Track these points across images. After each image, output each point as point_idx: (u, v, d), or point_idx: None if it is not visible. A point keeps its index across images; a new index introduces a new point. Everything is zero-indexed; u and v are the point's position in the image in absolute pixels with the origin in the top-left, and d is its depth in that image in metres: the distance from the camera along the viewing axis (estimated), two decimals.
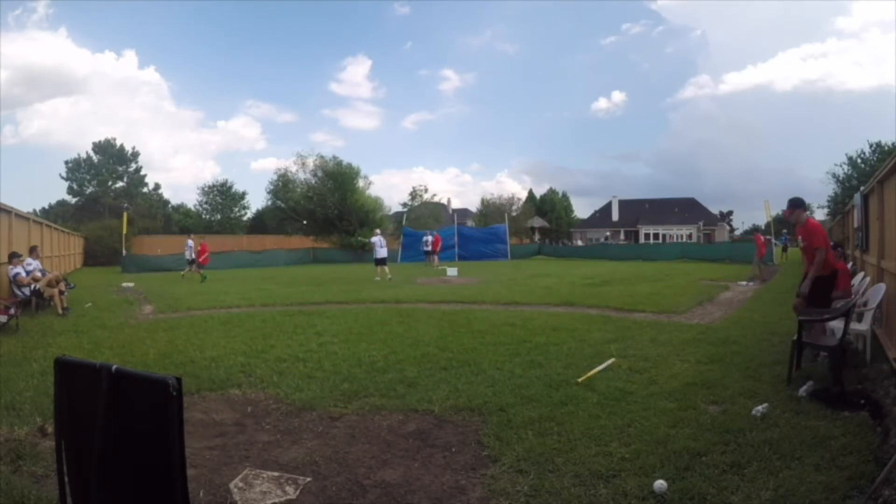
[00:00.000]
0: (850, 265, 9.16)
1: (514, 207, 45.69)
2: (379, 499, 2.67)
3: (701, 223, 51.57)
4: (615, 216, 56.61)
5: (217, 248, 25.11)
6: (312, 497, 2.69)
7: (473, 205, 53.48)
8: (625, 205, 57.13)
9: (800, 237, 5.42)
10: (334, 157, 31.84)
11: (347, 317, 8.25)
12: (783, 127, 79.03)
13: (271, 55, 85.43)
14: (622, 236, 53.09)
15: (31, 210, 27.77)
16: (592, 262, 24.43)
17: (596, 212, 60.02)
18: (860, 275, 7.32)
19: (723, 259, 23.29)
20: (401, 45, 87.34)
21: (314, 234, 31.45)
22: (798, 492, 2.55)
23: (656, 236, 51.55)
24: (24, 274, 9.04)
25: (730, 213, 64.46)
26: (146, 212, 40.97)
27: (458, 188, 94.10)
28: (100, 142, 44.07)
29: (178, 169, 74.74)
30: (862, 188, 7.69)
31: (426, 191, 50.45)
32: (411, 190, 51.20)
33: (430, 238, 24.56)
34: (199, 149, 78.45)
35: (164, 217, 44.34)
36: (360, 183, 31.72)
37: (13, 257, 9.04)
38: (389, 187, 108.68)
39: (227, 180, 48.55)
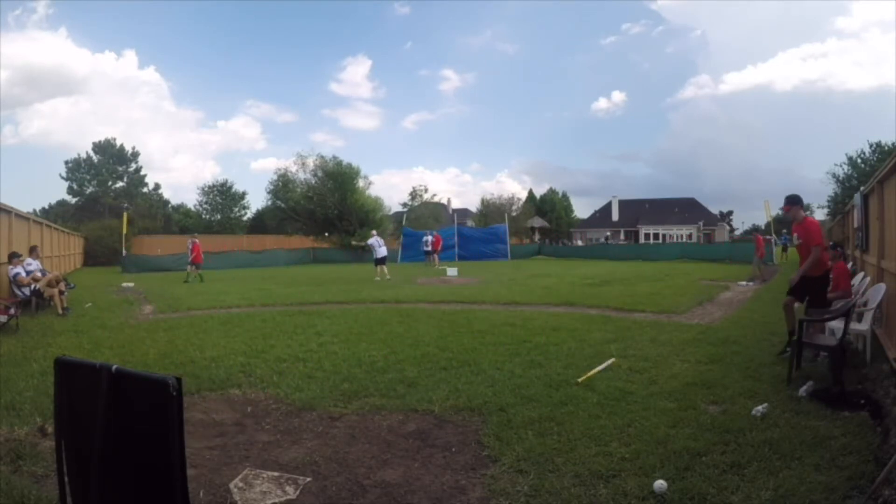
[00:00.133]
0: (850, 265, 9.16)
1: (514, 207, 45.72)
2: (379, 499, 2.67)
3: (701, 223, 51.56)
4: (615, 216, 56.60)
5: (217, 248, 25.16)
6: (312, 497, 2.69)
7: (473, 205, 53.59)
8: (625, 205, 57.13)
9: (795, 234, 5.43)
10: (334, 157, 31.89)
11: (347, 317, 8.25)
12: (783, 127, 79.10)
13: (271, 55, 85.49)
14: (622, 236, 53.09)
15: (31, 210, 27.81)
16: (592, 262, 24.43)
17: (596, 212, 60.02)
18: (860, 275, 7.33)
19: (723, 259, 23.30)
20: (401, 45, 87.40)
21: (315, 234, 31.45)
22: (798, 492, 2.55)
23: (656, 236, 51.55)
24: (24, 274, 9.04)
25: (730, 213, 64.53)
26: (146, 212, 40.96)
27: (458, 188, 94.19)
28: (100, 142, 44.11)
29: (178, 169, 74.79)
30: (862, 188, 7.69)
31: (426, 191, 50.60)
32: (411, 190, 51.33)
33: (430, 238, 24.57)
34: (199, 149, 78.51)
35: (164, 217, 44.33)
36: (360, 183, 31.74)
37: (13, 257, 9.04)
38: (389, 187, 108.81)
39: (227, 180, 48.63)
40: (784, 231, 28.31)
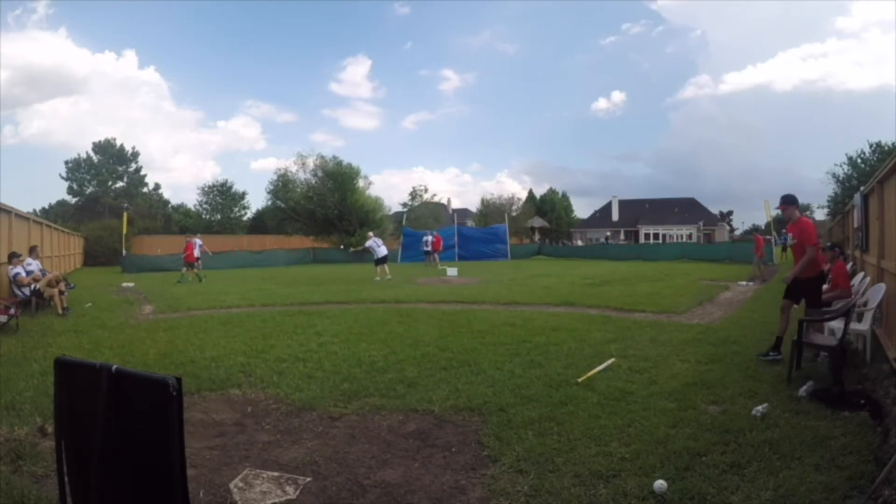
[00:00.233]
0: (850, 265, 9.17)
1: (514, 207, 45.72)
2: (379, 499, 2.67)
3: (701, 223, 51.57)
4: (615, 216, 56.60)
5: (217, 248, 25.09)
6: (312, 497, 2.69)
7: (473, 205, 53.60)
8: (625, 205, 57.13)
9: (790, 234, 5.43)
10: (334, 157, 31.89)
11: (347, 317, 8.25)
12: (783, 127, 79.04)
13: (271, 55, 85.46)
14: (622, 236, 53.09)
15: (31, 210, 27.81)
16: (592, 262, 24.43)
17: (596, 212, 60.02)
18: (860, 275, 7.33)
19: (723, 259, 23.29)
20: (401, 45, 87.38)
21: (315, 234, 31.45)
22: (798, 492, 2.55)
23: (656, 236, 51.55)
24: (24, 274, 9.04)
25: (730, 213, 64.50)
26: (146, 212, 40.97)
27: (458, 188, 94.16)
28: (100, 142, 44.12)
29: (178, 169, 74.78)
30: (862, 188, 7.69)
31: (426, 191, 50.61)
32: (411, 190, 51.34)
33: (430, 238, 24.55)
34: (199, 149, 78.49)
35: (164, 217, 44.34)
36: (360, 183, 31.74)
37: (13, 257, 9.04)
38: (389, 187, 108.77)
39: (227, 180, 48.63)
40: (784, 231, 28.34)
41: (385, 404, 4.04)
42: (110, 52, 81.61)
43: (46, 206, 44.02)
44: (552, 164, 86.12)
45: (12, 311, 7.34)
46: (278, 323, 7.74)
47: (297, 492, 2.73)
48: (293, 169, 32.31)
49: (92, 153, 43.53)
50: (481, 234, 30.98)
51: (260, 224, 44.20)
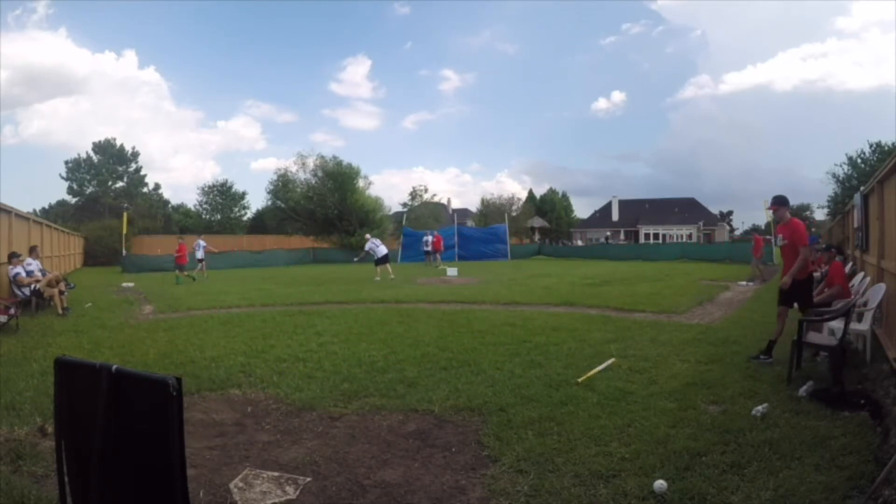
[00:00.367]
0: (850, 265, 9.17)
1: (514, 207, 45.71)
2: (379, 499, 2.67)
3: (701, 223, 51.56)
4: (615, 216, 56.60)
5: (217, 248, 25.09)
6: (312, 497, 2.69)
7: (473, 205, 53.58)
8: (625, 205, 57.12)
9: (780, 235, 5.41)
10: (334, 157, 31.90)
11: (347, 317, 8.25)
12: (783, 127, 78.98)
13: (271, 55, 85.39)
14: (622, 236, 53.09)
15: (31, 210, 27.80)
16: (592, 262, 24.43)
17: (596, 212, 60.02)
18: (860, 275, 7.33)
19: (723, 259, 23.28)
20: (401, 45, 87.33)
21: (315, 234, 31.45)
22: (798, 492, 2.55)
23: (656, 236, 51.55)
24: (24, 274, 9.04)
25: (730, 213, 64.46)
26: (146, 212, 40.93)
27: (458, 188, 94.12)
28: (100, 142, 44.08)
29: (178, 169, 74.72)
30: (862, 188, 7.69)
31: (426, 191, 50.60)
32: (411, 190, 51.34)
33: (430, 238, 24.55)
34: (199, 149, 78.43)
35: (164, 217, 44.29)
36: (360, 183, 31.75)
37: (13, 257, 9.04)
38: (389, 187, 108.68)
39: (227, 180, 48.59)
40: None
41: (385, 404, 4.04)
42: (110, 52, 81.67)
43: (46, 206, 44.07)
44: (552, 164, 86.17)
45: (12, 311, 7.34)
46: (278, 323, 7.74)
47: (297, 492, 2.73)
48: (293, 169, 32.37)
49: (92, 153, 43.54)
50: (481, 234, 31.00)
51: (260, 224, 44.19)
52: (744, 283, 13.36)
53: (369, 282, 14.81)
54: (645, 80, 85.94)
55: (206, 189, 47.50)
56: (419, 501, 2.65)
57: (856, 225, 8.52)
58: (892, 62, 66.18)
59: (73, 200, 42.90)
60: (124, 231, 24.51)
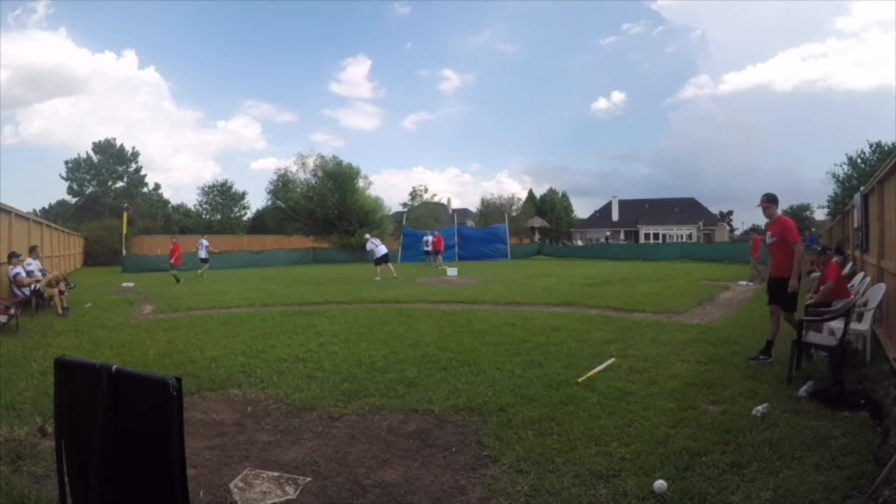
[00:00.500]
0: (850, 265, 9.18)
1: (514, 207, 45.69)
2: (379, 499, 2.67)
3: (701, 223, 51.56)
4: (615, 216, 56.60)
5: (217, 248, 25.09)
6: (312, 497, 2.69)
7: (473, 205, 53.56)
8: (625, 205, 57.12)
9: (769, 233, 5.39)
10: (334, 157, 31.88)
11: (347, 317, 8.25)
12: (783, 127, 78.86)
13: (271, 55, 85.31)
14: (622, 236, 53.09)
15: (31, 210, 27.80)
16: (592, 262, 24.43)
17: (596, 212, 60.01)
18: (860, 275, 7.33)
19: (723, 259, 23.30)
20: (401, 45, 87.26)
21: (315, 234, 31.46)
22: (798, 492, 2.55)
23: (656, 236, 51.55)
24: (24, 274, 9.04)
25: (730, 213, 64.37)
26: (146, 212, 40.92)
27: (458, 188, 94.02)
28: (100, 142, 44.05)
29: (178, 169, 74.67)
30: (862, 188, 7.70)
31: (426, 191, 50.59)
32: (411, 190, 51.34)
33: (430, 238, 24.55)
34: (199, 149, 78.37)
35: (164, 217, 44.27)
36: (360, 183, 31.74)
37: (13, 257, 9.04)
38: (389, 187, 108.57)
39: (227, 180, 48.57)
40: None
41: (385, 404, 4.04)
42: (110, 52, 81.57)
43: (46, 206, 44.05)
44: (552, 164, 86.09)
45: (12, 311, 7.34)
46: (278, 323, 7.74)
47: (297, 492, 2.73)
48: (293, 169, 32.35)
49: (92, 153, 43.52)
50: (481, 234, 31.00)
51: (260, 224, 44.18)
52: (744, 282, 13.36)
53: (369, 282, 14.81)
54: (645, 80, 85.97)
55: (206, 189, 47.55)
56: (419, 501, 2.65)
57: (856, 225, 8.52)
58: (892, 62, 66.18)
59: (73, 200, 42.91)
60: (124, 231, 24.51)
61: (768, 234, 5.42)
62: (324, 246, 30.81)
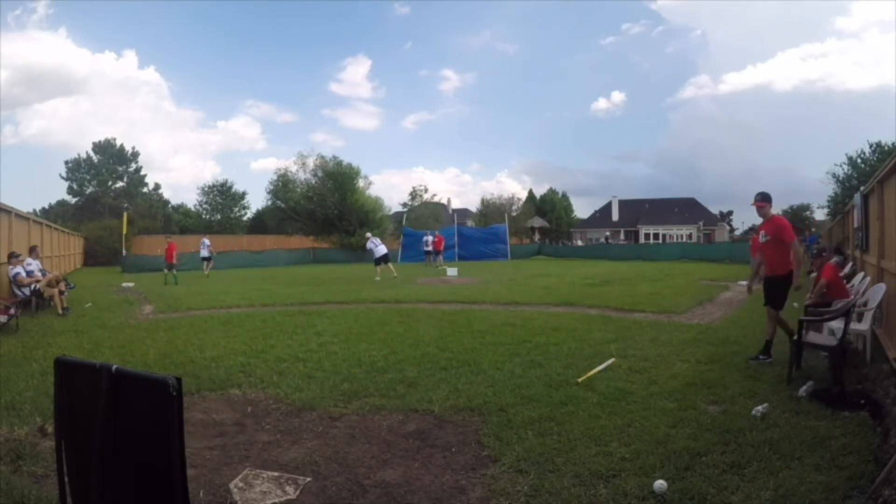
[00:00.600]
0: (850, 265, 9.17)
1: (514, 207, 45.69)
2: (379, 499, 2.67)
3: (701, 223, 51.56)
4: (615, 216, 56.60)
5: (217, 248, 25.09)
6: (312, 497, 2.69)
7: (473, 205, 53.56)
8: (625, 205, 57.12)
9: (762, 231, 5.38)
10: (334, 157, 31.93)
11: (347, 317, 8.25)
12: (783, 127, 78.84)
13: (271, 55, 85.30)
14: (622, 236, 53.09)
15: (31, 210, 27.81)
16: (592, 262, 24.43)
17: (596, 212, 60.01)
18: (860, 275, 7.33)
19: (723, 259, 23.29)
20: (401, 45, 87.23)
21: (315, 234, 31.46)
22: (798, 492, 2.55)
23: (656, 236, 51.54)
24: (24, 274, 9.04)
25: (730, 213, 64.34)
26: (146, 212, 40.93)
27: (458, 188, 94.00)
28: (100, 142, 44.08)
29: (178, 169, 74.69)
30: (862, 188, 7.69)
31: (426, 191, 50.58)
32: (411, 190, 51.33)
33: (430, 238, 24.55)
34: (199, 149, 78.37)
35: (164, 217, 44.28)
36: (360, 183, 31.79)
37: (13, 257, 9.04)
38: (389, 187, 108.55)
39: (227, 180, 48.58)
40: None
41: (385, 404, 4.04)
42: (110, 52, 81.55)
43: (46, 206, 44.07)
44: (552, 164, 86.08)
45: (12, 311, 7.34)
46: (278, 323, 7.74)
47: (297, 492, 2.73)
48: (293, 169, 32.40)
49: (92, 153, 43.54)
50: (481, 234, 31.01)
51: (260, 224, 44.18)
52: (744, 282, 13.34)
53: (369, 282, 14.81)
54: (645, 80, 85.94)
55: (206, 189, 47.57)
56: (419, 501, 2.65)
57: (856, 225, 8.52)
58: (892, 62, 66.17)
59: (73, 200, 42.92)
60: (124, 231, 24.53)
61: (762, 232, 5.41)
62: (324, 246, 30.82)
